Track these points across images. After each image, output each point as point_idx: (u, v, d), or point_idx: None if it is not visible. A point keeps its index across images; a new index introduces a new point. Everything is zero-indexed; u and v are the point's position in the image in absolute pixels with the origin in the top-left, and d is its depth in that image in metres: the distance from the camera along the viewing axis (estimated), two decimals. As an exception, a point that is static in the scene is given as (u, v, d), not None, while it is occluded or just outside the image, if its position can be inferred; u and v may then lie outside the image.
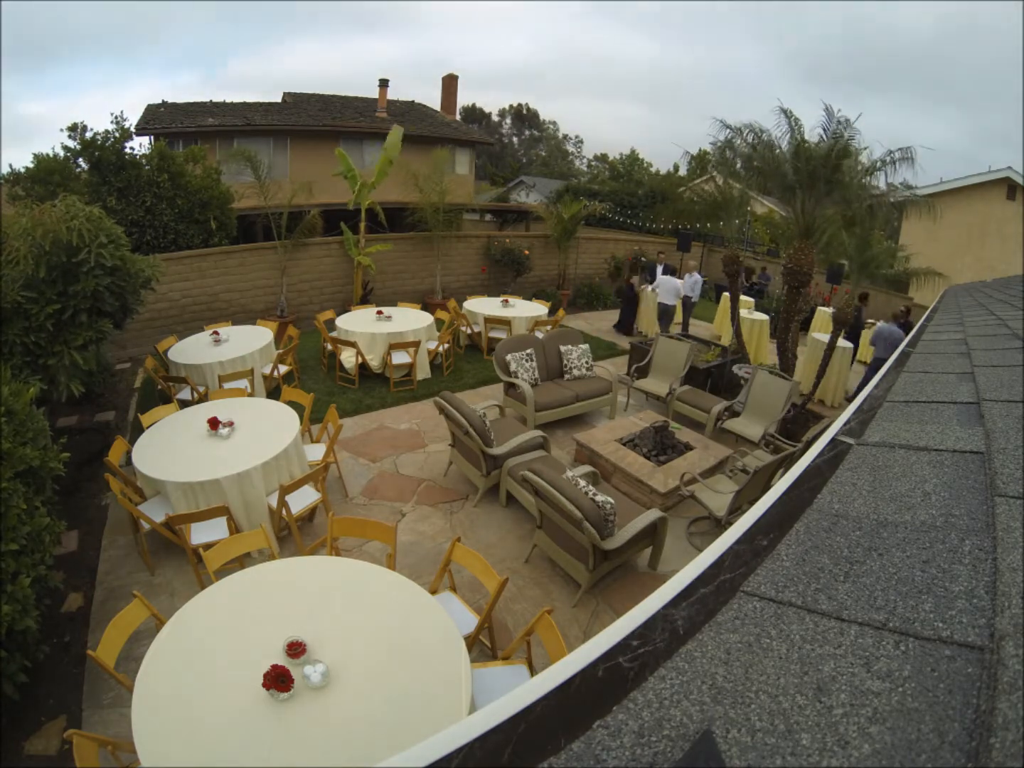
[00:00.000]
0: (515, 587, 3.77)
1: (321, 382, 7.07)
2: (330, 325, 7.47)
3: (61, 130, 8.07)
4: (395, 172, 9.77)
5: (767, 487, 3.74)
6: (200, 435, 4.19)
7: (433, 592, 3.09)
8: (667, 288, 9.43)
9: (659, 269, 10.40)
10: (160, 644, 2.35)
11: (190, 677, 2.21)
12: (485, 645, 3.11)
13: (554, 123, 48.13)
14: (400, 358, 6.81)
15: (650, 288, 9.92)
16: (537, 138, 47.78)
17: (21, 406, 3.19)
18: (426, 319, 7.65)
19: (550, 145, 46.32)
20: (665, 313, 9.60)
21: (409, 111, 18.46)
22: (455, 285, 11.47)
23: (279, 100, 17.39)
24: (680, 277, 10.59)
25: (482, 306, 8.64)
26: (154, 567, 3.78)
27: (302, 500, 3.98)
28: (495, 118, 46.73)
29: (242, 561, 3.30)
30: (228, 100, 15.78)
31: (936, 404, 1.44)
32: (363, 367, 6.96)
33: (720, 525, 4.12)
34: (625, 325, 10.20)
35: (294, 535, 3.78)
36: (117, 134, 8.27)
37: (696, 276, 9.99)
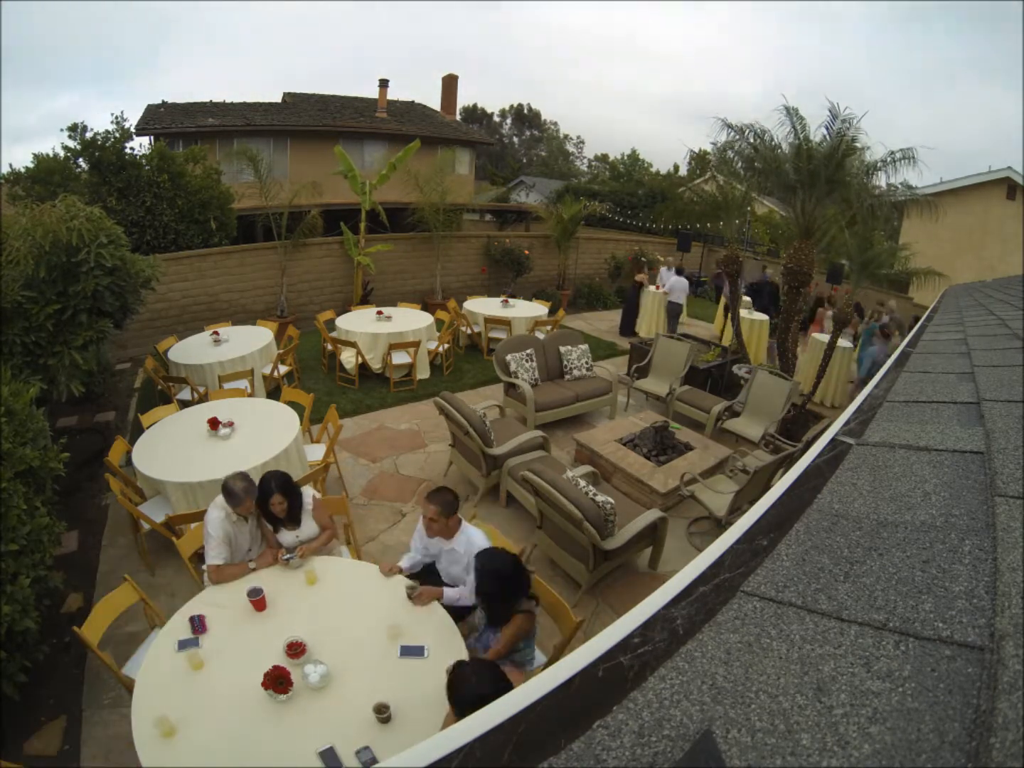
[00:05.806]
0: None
1: (321, 382, 7.07)
2: (330, 325, 7.46)
3: (61, 130, 8.08)
4: (396, 173, 9.77)
5: (767, 487, 3.74)
6: (200, 435, 4.18)
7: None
8: (679, 288, 9.66)
9: (671, 271, 10.41)
10: (160, 644, 2.35)
11: (190, 678, 2.21)
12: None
13: (555, 123, 48.14)
14: (400, 358, 6.81)
15: (662, 288, 9.99)
16: (538, 138, 47.69)
17: (21, 406, 3.19)
18: (426, 319, 7.65)
19: (551, 146, 46.20)
20: (674, 312, 9.76)
21: (409, 111, 18.45)
22: (455, 285, 11.46)
23: (279, 100, 17.40)
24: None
25: (482, 306, 8.64)
26: (154, 567, 3.78)
27: (302, 500, 3.98)
28: (496, 118, 46.72)
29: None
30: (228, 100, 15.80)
31: (936, 404, 1.44)
32: (363, 367, 6.96)
33: (720, 525, 4.12)
34: (627, 327, 10.19)
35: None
36: (117, 134, 8.27)
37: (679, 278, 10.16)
